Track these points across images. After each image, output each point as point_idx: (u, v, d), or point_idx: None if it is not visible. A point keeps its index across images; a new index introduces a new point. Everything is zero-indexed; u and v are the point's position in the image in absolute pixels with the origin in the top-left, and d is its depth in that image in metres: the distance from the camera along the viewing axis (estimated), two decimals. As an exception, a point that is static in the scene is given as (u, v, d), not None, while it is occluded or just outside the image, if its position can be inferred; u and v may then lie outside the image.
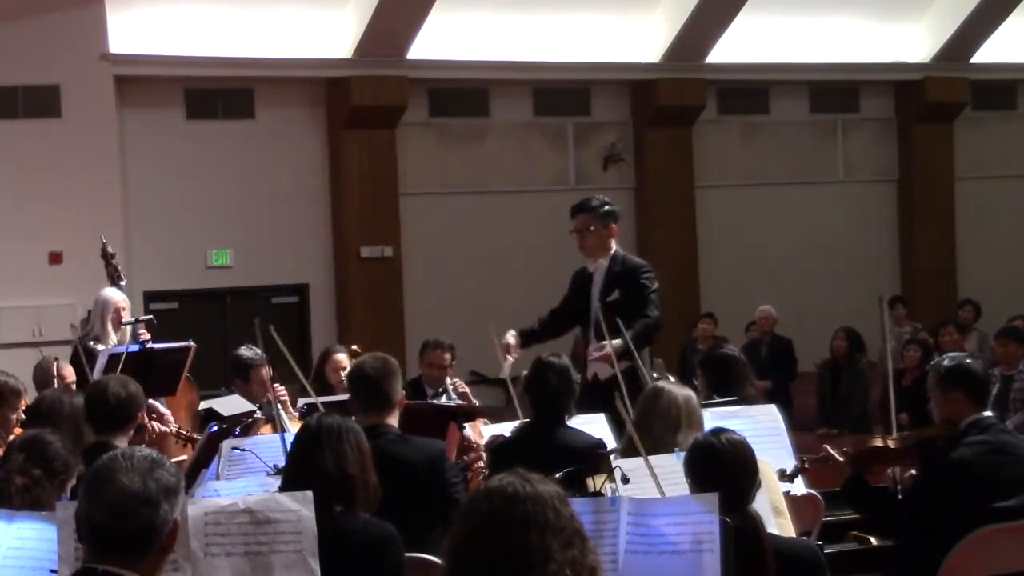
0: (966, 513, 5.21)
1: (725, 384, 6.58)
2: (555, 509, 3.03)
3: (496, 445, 6.22)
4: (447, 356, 8.35)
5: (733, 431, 4.38)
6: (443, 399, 7.98)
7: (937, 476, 5.35)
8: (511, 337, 7.78)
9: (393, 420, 5.35)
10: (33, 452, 4.45)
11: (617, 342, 7.30)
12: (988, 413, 5.54)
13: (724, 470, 4.20)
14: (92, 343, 8.28)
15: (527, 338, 7.94)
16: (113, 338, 8.30)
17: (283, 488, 4.33)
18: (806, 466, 5.70)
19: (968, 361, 5.60)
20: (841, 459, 5.61)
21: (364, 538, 4.21)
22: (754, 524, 4.14)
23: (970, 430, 5.41)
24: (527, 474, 3.10)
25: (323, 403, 6.96)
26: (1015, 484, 5.31)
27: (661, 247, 16.08)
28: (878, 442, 5.80)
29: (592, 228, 7.83)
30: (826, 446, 5.74)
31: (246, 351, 7.67)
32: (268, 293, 15.45)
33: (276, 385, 7.45)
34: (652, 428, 5.26)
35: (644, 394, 5.60)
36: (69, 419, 5.39)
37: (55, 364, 7.73)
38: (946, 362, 5.58)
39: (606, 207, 7.87)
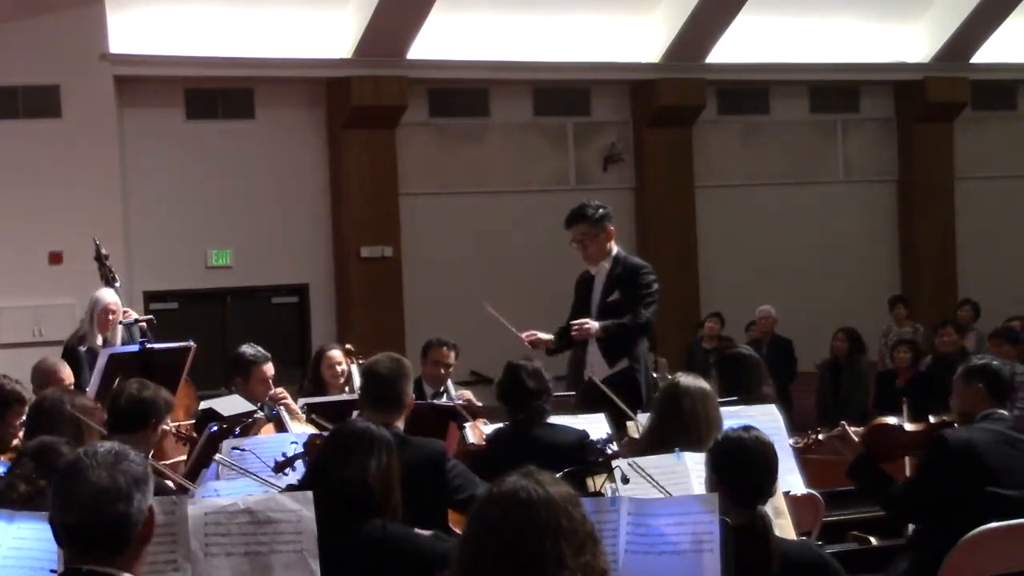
0: (970, 498, 5.23)
1: (742, 385, 6.51)
2: (568, 514, 2.99)
3: (476, 451, 6.24)
4: (451, 354, 8.38)
5: (760, 430, 4.40)
6: (443, 399, 7.98)
7: (942, 456, 5.38)
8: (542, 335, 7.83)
9: (400, 422, 5.35)
10: (43, 462, 4.41)
11: (596, 325, 7.61)
12: (1004, 411, 5.60)
13: (751, 466, 4.23)
14: (77, 343, 8.30)
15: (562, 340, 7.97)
16: (99, 337, 8.31)
17: (303, 485, 4.34)
18: (820, 439, 5.71)
19: (997, 362, 5.78)
20: (857, 439, 5.64)
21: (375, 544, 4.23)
22: (764, 524, 4.16)
23: (983, 421, 5.49)
24: (538, 475, 3.05)
25: (325, 403, 6.98)
26: (1019, 476, 5.33)
27: (661, 247, 16.08)
28: (891, 420, 5.81)
29: (591, 238, 7.85)
30: (844, 423, 5.75)
31: (248, 348, 7.65)
32: (268, 293, 15.44)
33: (279, 389, 7.44)
34: (673, 428, 5.26)
35: (664, 391, 5.58)
36: (70, 420, 5.36)
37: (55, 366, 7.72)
38: (975, 359, 5.81)
39: (600, 211, 7.87)
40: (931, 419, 5.83)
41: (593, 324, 7.66)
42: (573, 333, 7.72)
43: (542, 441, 5.80)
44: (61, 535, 3.00)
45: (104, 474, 2.96)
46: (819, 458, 6.13)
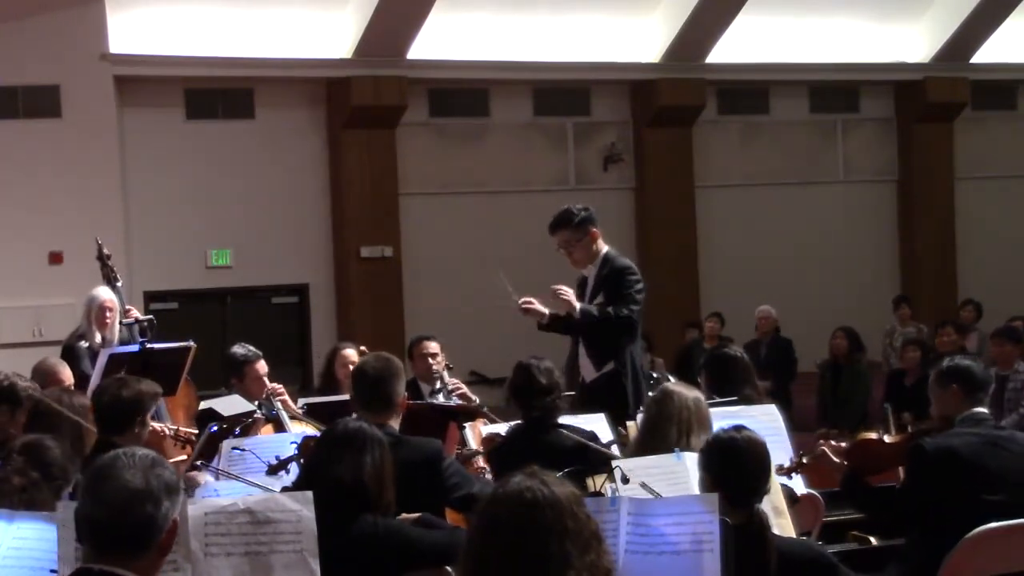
0: (958, 504, 5.22)
1: (726, 384, 6.59)
2: (573, 514, 3.01)
3: (493, 448, 6.23)
4: (432, 344, 8.36)
5: (752, 430, 4.41)
6: (440, 397, 7.97)
7: (921, 465, 5.35)
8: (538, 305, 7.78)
9: (394, 422, 5.33)
10: (33, 456, 4.45)
11: (580, 306, 7.55)
12: (983, 409, 5.57)
13: (742, 465, 4.24)
14: (76, 341, 8.31)
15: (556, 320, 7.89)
16: (98, 336, 8.33)
17: (297, 486, 4.34)
18: (804, 462, 5.72)
19: (967, 361, 5.69)
20: (837, 460, 5.62)
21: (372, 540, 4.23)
22: (760, 522, 4.16)
23: (963, 424, 5.45)
24: (543, 475, 3.06)
25: (326, 403, 6.97)
26: (1005, 478, 5.31)
27: (661, 247, 16.10)
28: (872, 435, 5.80)
29: (574, 243, 7.82)
30: (823, 447, 5.73)
31: (239, 348, 7.66)
32: (268, 293, 15.45)
33: (275, 385, 7.44)
34: (662, 431, 5.30)
35: (653, 396, 5.62)
36: (70, 420, 5.37)
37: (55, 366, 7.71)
38: (946, 361, 5.69)
39: (581, 215, 7.82)
40: (909, 428, 5.81)
41: (576, 302, 7.59)
42: (559, 292, 7.63)
43: (554, 442, 5.79)
44: (85, 530, 3.03)
45: (139, 475, 3.01)
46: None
